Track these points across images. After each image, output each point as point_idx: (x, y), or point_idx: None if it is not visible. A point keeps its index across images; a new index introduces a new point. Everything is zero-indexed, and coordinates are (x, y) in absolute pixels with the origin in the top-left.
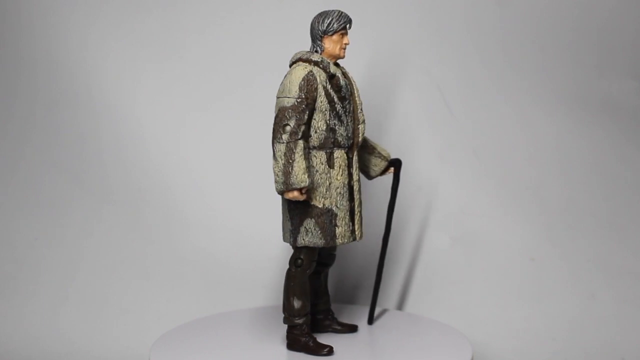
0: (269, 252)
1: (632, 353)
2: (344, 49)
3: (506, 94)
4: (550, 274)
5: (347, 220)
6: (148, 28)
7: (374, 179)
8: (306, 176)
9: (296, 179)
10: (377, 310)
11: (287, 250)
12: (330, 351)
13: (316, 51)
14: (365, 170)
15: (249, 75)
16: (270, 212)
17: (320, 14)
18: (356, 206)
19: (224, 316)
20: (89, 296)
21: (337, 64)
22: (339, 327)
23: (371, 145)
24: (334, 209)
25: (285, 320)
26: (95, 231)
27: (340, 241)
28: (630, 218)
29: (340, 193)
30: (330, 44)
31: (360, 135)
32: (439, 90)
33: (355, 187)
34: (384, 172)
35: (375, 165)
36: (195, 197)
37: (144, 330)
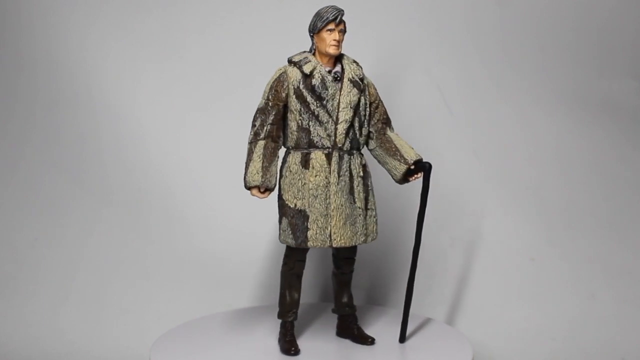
0: (269, 252)
1: (632, 353)
2: (334, 45)
3: (506, 94)
4: (550, 274)
5: (320, 223)
6: (148, 28)
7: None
8: (259, 176)
9: (249, 177)
10: (378, 310)
11: None
12: (295, 352)
13: (310, 50)
14: (390, 174)
15: (249, 75)
16: (270, 212)
17: None
18: (332, 209)
19: (224, 316)
20: (89, 296)
21: (340, 60)
22: (356, 336)
23: (395, 147)
24: (306, 210)
25: (277, 315)
26: (95, 231)
27: (312, 244)
28: (630, 218)
29: (313, 195)
30: (319, 42)
31: (339, 135)
32: (439, 90)
33: (333, 190)
34: (407, 176)
35: (395, 169)
36: (195, 197)
37: (144, 330)
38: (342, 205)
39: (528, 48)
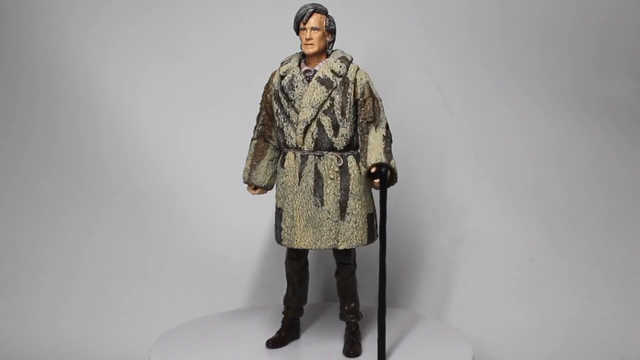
0: (269, 252)
1: (632, 353)
2: (306, 44)
3: (506, 94)
4: (550, 274)
5: (287, 222)
6: (148, 28)
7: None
8: (247, 173)
9: (242, 174)
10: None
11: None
12: (272, 345)
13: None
14: None
15: (249, 75)
16: (271, 212)
17: None
18: (294, 209)
19: (224, 316)
20: (89, 296)
21: (329, 59)
22: (345, 343)
23: (365, 149)
24: (282, 209)
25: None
26: (95, 231)
27: (284, 243)
28: (630, 218)
29: (284, 195)
30: (301, 42)
31: (297, 135)
32: (439, 90)
33: (294, 190)
34: (369, 182)
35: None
36: (195, 197)
37: (144, 330)
38: (302, 207)
39: (528, 48)
